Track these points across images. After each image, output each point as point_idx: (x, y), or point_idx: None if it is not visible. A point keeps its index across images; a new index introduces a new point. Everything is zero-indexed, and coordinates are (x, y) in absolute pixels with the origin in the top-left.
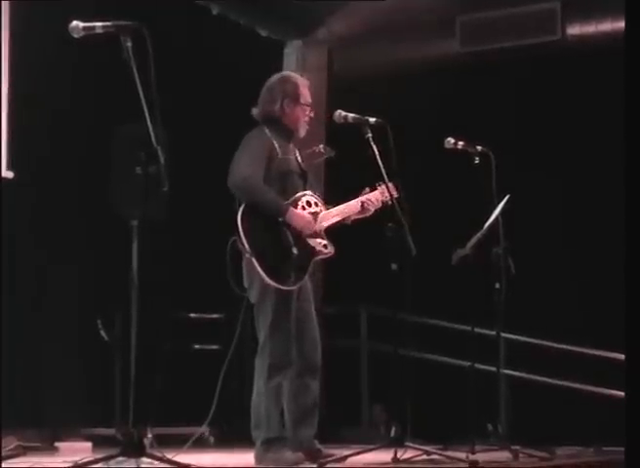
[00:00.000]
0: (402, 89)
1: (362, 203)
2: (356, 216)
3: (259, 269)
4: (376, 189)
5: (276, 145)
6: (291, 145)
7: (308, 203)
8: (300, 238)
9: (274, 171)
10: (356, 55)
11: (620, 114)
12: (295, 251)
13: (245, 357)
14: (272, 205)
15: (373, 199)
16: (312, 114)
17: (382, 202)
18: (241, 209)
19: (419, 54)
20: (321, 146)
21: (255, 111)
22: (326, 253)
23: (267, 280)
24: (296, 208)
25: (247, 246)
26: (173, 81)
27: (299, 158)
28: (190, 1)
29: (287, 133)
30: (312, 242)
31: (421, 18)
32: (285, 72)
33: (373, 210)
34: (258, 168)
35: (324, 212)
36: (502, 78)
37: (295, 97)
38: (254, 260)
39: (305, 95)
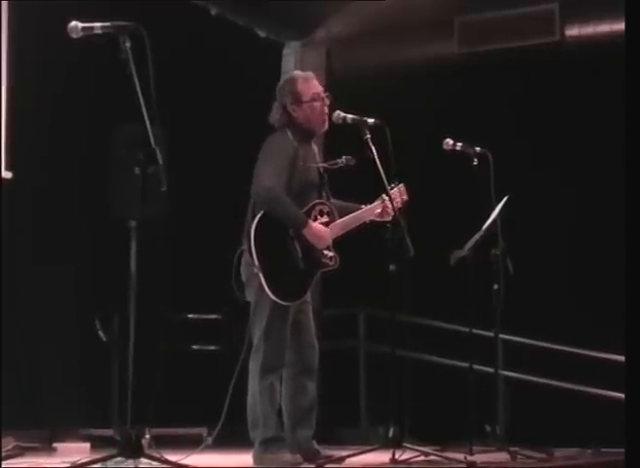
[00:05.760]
0: (400, 90)
1: (384, 207)
2: (376, 218)
3: (265, 285)
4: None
5: (300, 151)
6: (313, 147)
7: (321, 212)
8: (308, 251)
9: (295, 176)
10: (354, 56)
11: (619, 115)
12: (302, 265)
13: (245, 357)
14: (292, 217)
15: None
16: (327, 102)
17: (402, 202)
18: (255, 221)
19: (417, 55)
20: (344, 158)
21: (270, 118)
22: (331, 266)
23: (272, 296)
24: (309, 217)
25: (256, 260)
26: (171, 81)
27: (319, 163)
28: (189, 1)
29: (306, 134)
30: (320, 255)
31: (420, 19)
32: (289, 73)
33: (393, 212)
34: (281, 177)
35: (334, 223)
36: (501, 79)
37: (296, 98)
38: (261, 276)
39: (307, 89)
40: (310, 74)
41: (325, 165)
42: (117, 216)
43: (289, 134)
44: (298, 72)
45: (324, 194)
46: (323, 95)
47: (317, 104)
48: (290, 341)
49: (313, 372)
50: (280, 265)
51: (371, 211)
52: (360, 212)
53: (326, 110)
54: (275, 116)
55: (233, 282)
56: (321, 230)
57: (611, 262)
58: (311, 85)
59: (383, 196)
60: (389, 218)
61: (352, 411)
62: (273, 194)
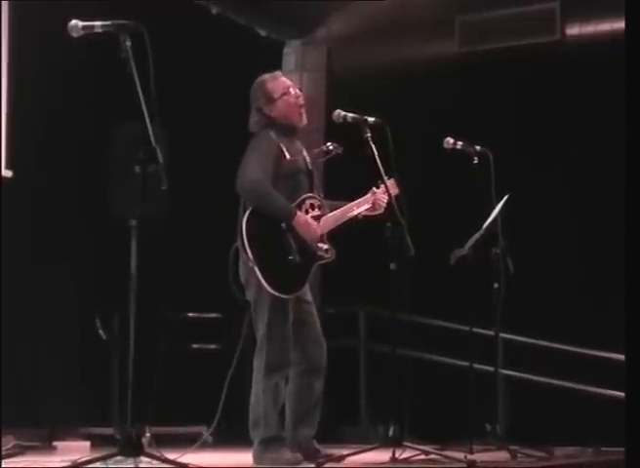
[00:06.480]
0: (401, 89)
1: (373, 200)
2: (367, 213)
3: (261, 279)
4: (379, 186)
5: (283, 147)
6: (297, 144)
7: (312, 206)
8: (302, 244)
9: (282, 173)
10: (355, 55)
11: (619, 114)
12: (297, 258)
13: (244, 356)
14: (280, 209)
15: (382, 196)
16: (299, 94)
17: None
18: (246, 216)
19: (417, 54)
20: (328, 144)
21: (250, 126)
22: (327, 259)
23: (269, 289)
24: (300, 211)
25: (250, 255)
26: (172, 80)
27: (306, 157)
28: (190, 1)
29: (288, 130)
30: (314, 247)
31: (420, 18)
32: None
33: (384, 206)
34: (266, 171)
35: (325, 216)
36: (501, 78)
37: (268, 97)
38: (256, 270)
39: (276, 86)
40: (278, 73)
41: (312, 154)
42: (117, 216)
43: (271, 133)
44: (265, 75)
45: (314, 189)
46: (294, 88)
47: (289, 98)
48: (295, 341)
49: (320, 371)
50: (275, 259)
51: (361, 204)
52: (351, 204)
53: (301, 102)
54: (253, 121)
55: (231, 282)
56: (310, 221)
57: (611, 261)
58: (279, 81)
59: (374, 189)
60: (380, 212)
61: (352, 410)
62: (259, 187)
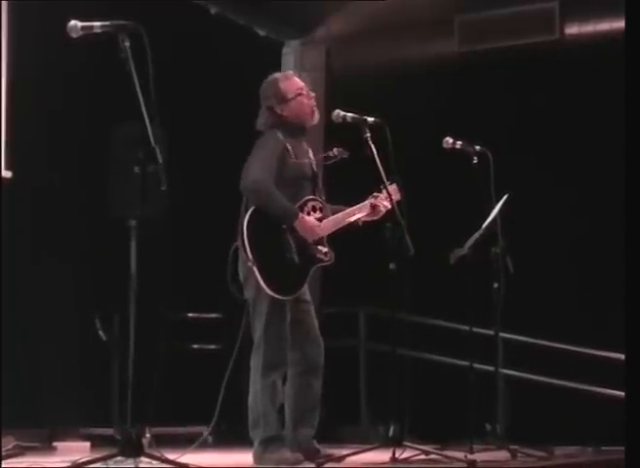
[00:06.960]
0: (400, 88)
1: (373, 205)
2: (366, 218)
3: (260, 279)
4: (381, 191)
5: (289, 148)
6: (304, 145)
7: (314, 208)
8: (302, 246)
9: (287, 174)
10: (355, 54)
11: (618, 114)
12: (296, 259)
13: (243, 356)
14: (283, 210)
15: (382, 201)
16: (312, 95)
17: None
18: (247, 216)
19: (417, 53)
20: (335, 150)
21: (257, 124)
22: (326, 261)
23: (267, 290)
24: (301, 212)
25: (250, 255)
26: (171, 80)
27: (312, 160)
28: (189, 1)
29: (296, 131)
30: (314, 250)
31: (420, 17)
32: (268, 76)
33: (384, 211)
34: (270, 172)
35: (326, 218)
36: (501, 78)
37: (281, 97)
38: (255, 270)
39: (290, 86)
40: (290, 72)
41: (318, 158)
42: (117, 216)
43: (278, 134)
44: (276, 73)
45: (317, 191)
46: (306, 89)
47: (303, 99)
48: (293, 340)
49: (319, 370)
50: (274, 259)
51: (362, 209)
52: (351, 209)
53: (313, 103)
54: (261, 120)
55: (229, 281)
56: (312, 222)
57: (611, 261)
58: (293, 81)
59: (375, 193)
60: (378, 217)
61: (352, 410)
62: (262, 187)
